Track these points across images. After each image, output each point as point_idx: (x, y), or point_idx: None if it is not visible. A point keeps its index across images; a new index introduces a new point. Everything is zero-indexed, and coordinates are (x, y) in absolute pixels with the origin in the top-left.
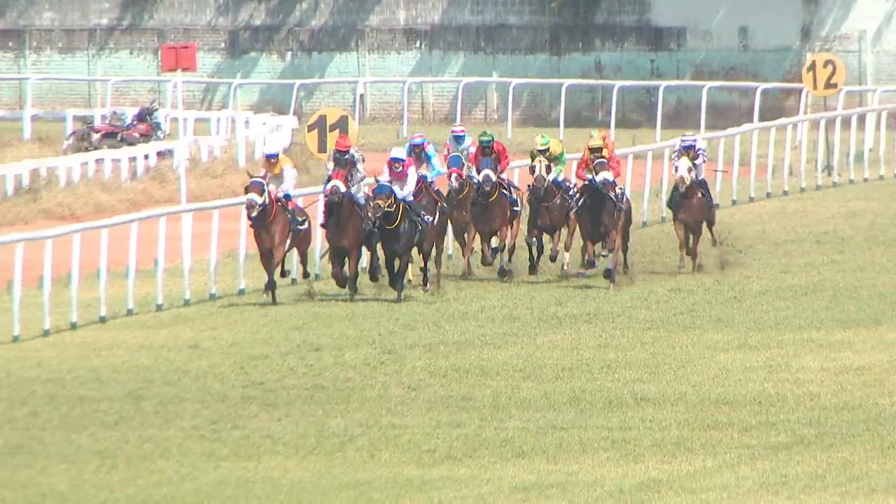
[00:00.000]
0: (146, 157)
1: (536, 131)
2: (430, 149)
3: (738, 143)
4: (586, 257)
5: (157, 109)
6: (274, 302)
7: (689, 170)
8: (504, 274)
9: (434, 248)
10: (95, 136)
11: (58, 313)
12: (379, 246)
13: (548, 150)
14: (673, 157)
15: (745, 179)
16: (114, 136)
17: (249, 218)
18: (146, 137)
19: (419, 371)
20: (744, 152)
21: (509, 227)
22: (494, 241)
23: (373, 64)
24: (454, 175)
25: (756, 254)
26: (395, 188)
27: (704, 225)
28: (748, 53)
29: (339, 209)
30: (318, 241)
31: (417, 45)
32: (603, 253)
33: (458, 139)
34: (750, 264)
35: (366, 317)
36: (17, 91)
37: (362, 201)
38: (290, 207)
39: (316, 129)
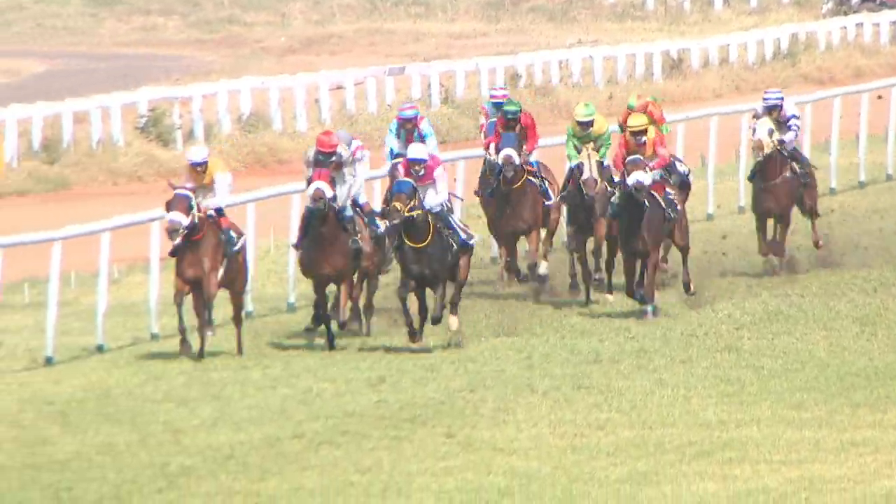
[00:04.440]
0: None
1: None
2: (425, 126)
3: None
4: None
5: None
6: (200, 356)
7: (771, 132)
8: (542, 281)
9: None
10: (855, 0)
11: None
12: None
13: (591, 124)
14: (751, 122)
15: None
16: (873, 0)
17: (173, 246)
18: None
19: None
20: None
21: (537, 231)
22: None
23: None
24: (503, 155)
25: None
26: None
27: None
28: None
29: (322, 223)
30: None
31: None
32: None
33: (498, 106)
34: None
35: None
36: None
37: (349, 214)
38: (223, 226)
39: None
